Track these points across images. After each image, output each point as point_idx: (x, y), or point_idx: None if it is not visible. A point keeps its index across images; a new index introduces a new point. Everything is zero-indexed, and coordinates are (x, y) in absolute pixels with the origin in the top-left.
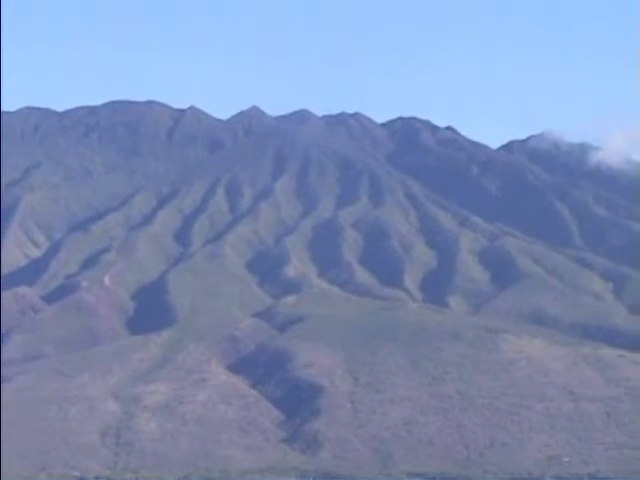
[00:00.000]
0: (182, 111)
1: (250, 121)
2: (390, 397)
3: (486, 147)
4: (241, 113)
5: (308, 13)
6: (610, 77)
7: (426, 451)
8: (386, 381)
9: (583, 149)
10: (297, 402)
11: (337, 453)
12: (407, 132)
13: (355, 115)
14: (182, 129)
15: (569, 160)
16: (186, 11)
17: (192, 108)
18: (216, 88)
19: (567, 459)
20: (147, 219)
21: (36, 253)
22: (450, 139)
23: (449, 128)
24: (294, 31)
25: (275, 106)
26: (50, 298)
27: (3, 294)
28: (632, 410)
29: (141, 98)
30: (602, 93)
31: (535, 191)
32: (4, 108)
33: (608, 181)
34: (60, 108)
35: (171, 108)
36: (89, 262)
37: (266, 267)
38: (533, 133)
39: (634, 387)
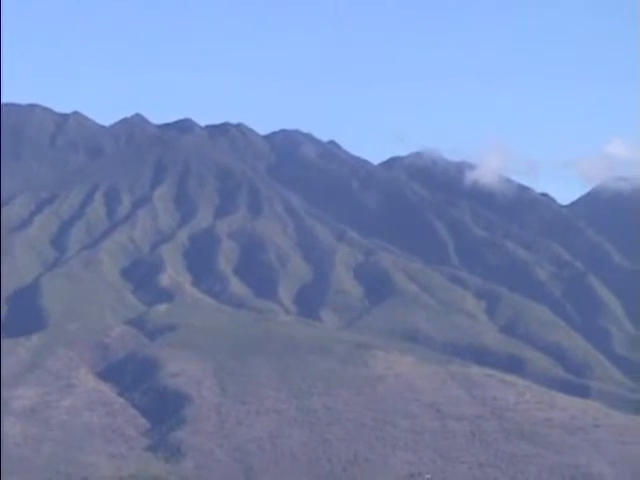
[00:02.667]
0: (65, 116)
1: (133, 128)
2: (257, 409)
3: (367, 162)
4: (124, 120)
5: (196, 23)
6: (487, 97)
7: (289, 464)
8: (254, 393)
9: (460, 167)
10: (163, 411)
11: (200, 463)
12: (289, 145)
13: (238, 126)
14: (65, 134)
15: (447, 178)
16: (74, 16)
17: (76, 113)
18: (101, 94)
19: (429, 476)
20: (25, 223)
21: None
22: (332, 153)
23: (331, 142)
24: (182, 40)
25: (159, 114)
26: None
27: None
28: (497, 429)
29: (24, 101)
30: (480, 112)
31: (413, 208)
32: None
33: (485, 200)
34: None
35: (54, 112)
36: None
37: (141, 275)
38: (414, 150)
39: (500, 407)
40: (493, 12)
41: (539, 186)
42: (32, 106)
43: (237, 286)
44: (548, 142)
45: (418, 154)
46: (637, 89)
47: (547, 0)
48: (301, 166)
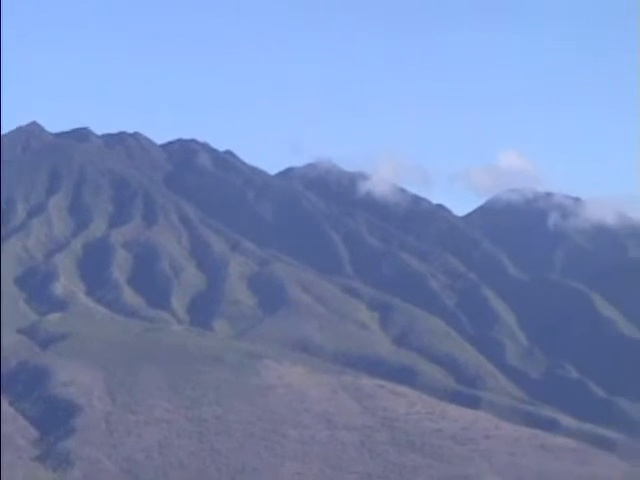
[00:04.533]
0: None
1: (28, 137)
2: (146, 418)
3: (263, 172)
4: (20, 128)
5: (90, 35)
6: (379, 106)
7: (178, 474)
8: (144, 402)
9: (354, 178)
10: (53, 420)
11: (88, 472)
12: (185, 154)
13: (134, 135)
14: None
15: (342, 189)
16: None
17: None
18: None
19: None
20: None
21: None
22: (228, 163)
23: (228, 152)
24: (78, 47)
25: (56, 123)
26: None
27: None
28: (386, 440)
29: None
30: (372, 120)
31: (309, 219)
32: None
33: (381, 211)
34: None
35: None
36: None
37: (34, 283)
38: (309, 160)
39: (390, 417)
40: (379, 23)
41: (433, 197)
42: None
43: (130, 295)
44: (439, 153)
45: (313, 164)
46: (528, 99)
47: (436, 17)
48: (197, 175)
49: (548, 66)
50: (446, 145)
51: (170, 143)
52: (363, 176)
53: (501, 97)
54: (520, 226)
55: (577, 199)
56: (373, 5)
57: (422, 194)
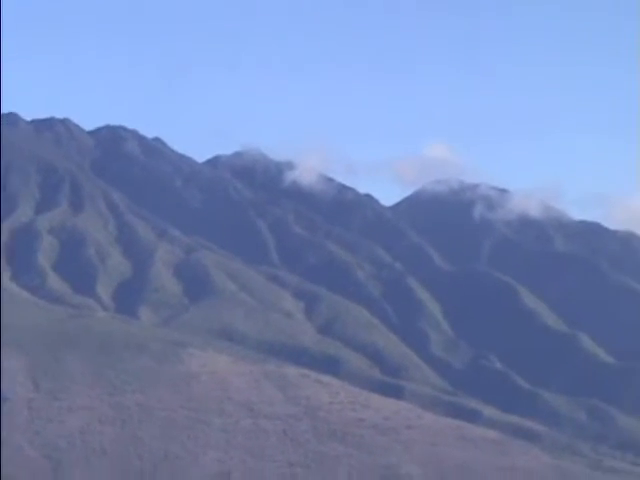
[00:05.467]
0: None
1: None
2: (69, 405)
3: (192, 160)
4: None
5: (22, 20)
6: (308, 94)
7: (99, 461)
8: (67, 389)
9: (283, 167)
10: None
11: (9, 458)
12: (113, 141)
13: (64, 121)
14: None
15: (269, 177)
16: None
17: None
18: None
19: None
20: None
21: None
22: (157, 150)
23: (157, 139)
24: (9, 31)
25: None
26: None
27: None
28: (309, 429)
29: None
30: (301, 109)
31: (236, 207)
32: None
33: (308, 200)
34: None
35: None
36: None
37: None
38: (238, 149)
39: (313, 406)
40: (308, 12)
41: (361, 187)
42: None
43: (55, 282)
44: (366, 143)
45: (240, 153)
46: (454, 89)
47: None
48: (125, 162)
49: (474, 56)
50: (373, 135)
51: (98, 129)
52: (290, 165)
53: (427, 87)
54: (446, 217)
55: (503, 190)
56: None
57: (349, 184)
